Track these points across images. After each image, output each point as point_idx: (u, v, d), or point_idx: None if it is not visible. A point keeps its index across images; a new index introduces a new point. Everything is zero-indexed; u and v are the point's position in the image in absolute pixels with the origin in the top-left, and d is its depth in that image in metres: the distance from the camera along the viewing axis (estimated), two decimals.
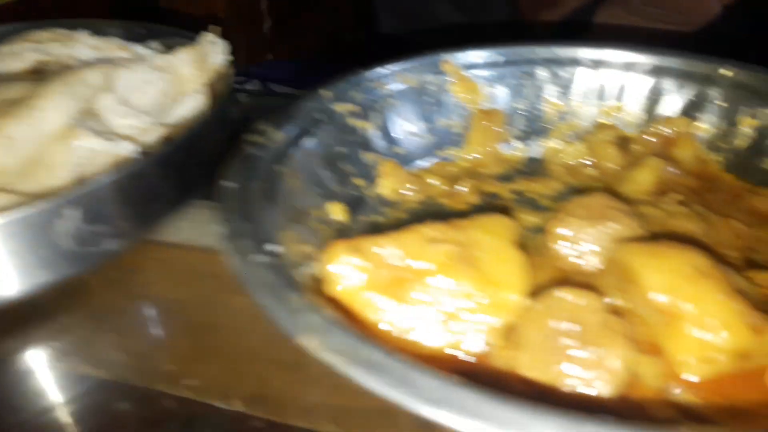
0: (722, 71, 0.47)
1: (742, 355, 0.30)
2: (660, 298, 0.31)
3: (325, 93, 0.46)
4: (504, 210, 0.43)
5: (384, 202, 0.47)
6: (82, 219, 0.39)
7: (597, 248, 0.37)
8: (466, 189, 0.47)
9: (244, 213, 0.33)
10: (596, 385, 0.29)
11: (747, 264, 0.38)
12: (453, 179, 0.49)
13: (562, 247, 0.37)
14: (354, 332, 0.25)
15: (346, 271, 0.33)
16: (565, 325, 0.30)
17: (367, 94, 0.49)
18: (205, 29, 0.60)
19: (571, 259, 0.37)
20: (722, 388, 0.30)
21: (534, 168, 0.51)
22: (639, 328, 0.33)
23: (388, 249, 0.34)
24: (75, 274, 0.40)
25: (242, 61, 1.57)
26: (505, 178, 0.50)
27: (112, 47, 0.56)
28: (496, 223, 0.35)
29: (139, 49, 0.59)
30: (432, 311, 0.32)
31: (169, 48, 0.64)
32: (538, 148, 0.52)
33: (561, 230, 0.37)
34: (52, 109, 0.44)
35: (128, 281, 0.46)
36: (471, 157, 0.51)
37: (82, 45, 0.55)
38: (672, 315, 0.30)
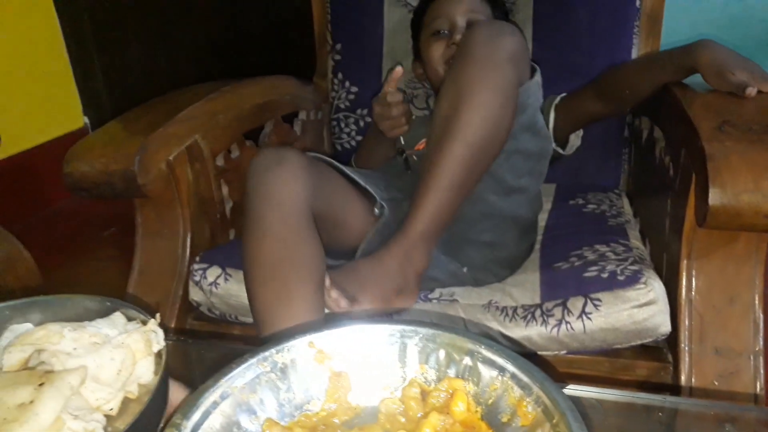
0: (479, 348, 0.74)
1: None
2: None
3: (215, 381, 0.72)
4: None
5: None
6: None
7: None
8: None
9: None
10: None
11: None
12: (313, 428, 0.74)
13: None
14: None
15: None
16: None
17: (254, 373, 0.75)
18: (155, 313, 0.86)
19: None
20: None
21: (372, 413, 0.76)
22: None
23: None
24: None
25: (205, 245, 1.86)
26: (349, 425, 0.75)
27: (86, 336, 0.82)
28: None
29: (104, 328, 0.85)
30: None
31: (128, 318, 0.90)
32: (375, 399, 0.78)
33: None
34: (48, 411, 0.69)
35: None
36: (328, 408, 0.77)
37: (66, 340, 0.81)
38: None
